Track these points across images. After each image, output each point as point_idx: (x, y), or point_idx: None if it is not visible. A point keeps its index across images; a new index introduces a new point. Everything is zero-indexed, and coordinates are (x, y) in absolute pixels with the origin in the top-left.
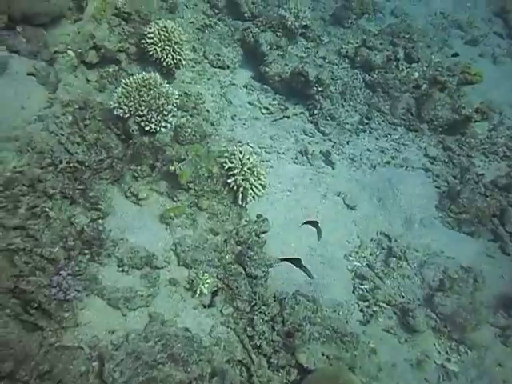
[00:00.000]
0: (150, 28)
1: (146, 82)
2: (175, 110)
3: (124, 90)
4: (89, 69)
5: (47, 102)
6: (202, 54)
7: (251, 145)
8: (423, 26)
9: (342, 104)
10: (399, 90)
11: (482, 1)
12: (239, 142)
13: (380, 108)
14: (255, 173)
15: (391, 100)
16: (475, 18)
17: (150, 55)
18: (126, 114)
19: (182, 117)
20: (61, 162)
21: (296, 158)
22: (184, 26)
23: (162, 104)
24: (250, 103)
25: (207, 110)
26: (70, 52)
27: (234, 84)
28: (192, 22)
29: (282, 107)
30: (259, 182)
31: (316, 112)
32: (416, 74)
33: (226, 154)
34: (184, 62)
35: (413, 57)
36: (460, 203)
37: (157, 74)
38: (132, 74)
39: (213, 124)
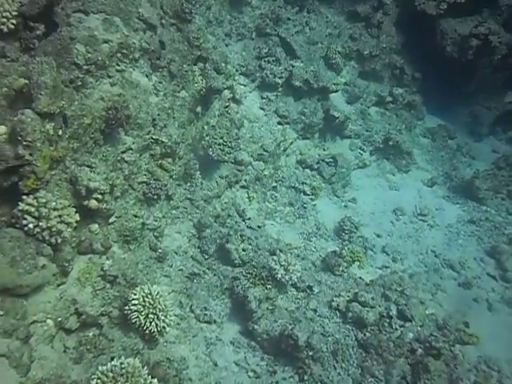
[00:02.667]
0: (135, 294)
1: (123, 370)
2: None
3: (99, 382)
4: (68, 334)
5: None
6: (188, 309)
7: None
8: (415, 264)
9: (333, 366)
10: (393, 353)
11: (473, 239)
12: None
13: (374, 373)
14: None
15: (385, 364)
16: (467, 256)
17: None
18: None
19: None
20: None
21: None
22: (172, 275)
23: None
24: (236, 363)
25: (190, 379)
26: (48, 321)
27: (220, 340)
28: (181, 270)
29: (271, 369)
30: None
31: (306, 378)
32: (410, 335)
33: None
34: (168, 329)
35: (406, 314)
36: None
37: (137, 360)
38: (113, 340)
39: None
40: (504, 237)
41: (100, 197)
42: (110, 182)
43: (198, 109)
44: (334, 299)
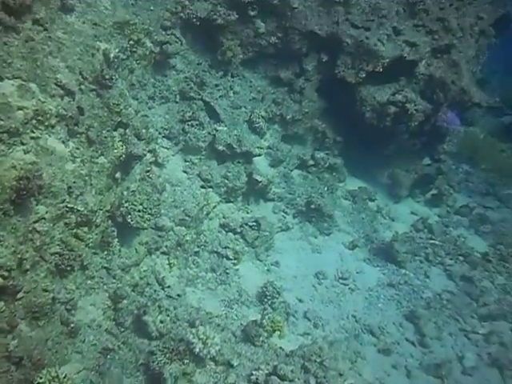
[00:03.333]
0: (41, 378)
1: None
2: None
3: None
4: None
5: None
6: None
7: None
8: (336, 330)
9: None
10: None
11: (392, 303)
12: None
13: None
14: None
15: None
16: (387, 321)
17: None
18: None
19: None
20: None
21: None
22: (85, 351)
23: None
24: None
25: None
26: None
27: None
28: (94, 345)
29: None
30: None
31: None
32: None
33: None
34: None
35: None
36: None
37: None
38: None
39: None
40: (422, 301)
41: (6, 274)
42: (19, 256)
43: (118, 175)
44: (254, 373)
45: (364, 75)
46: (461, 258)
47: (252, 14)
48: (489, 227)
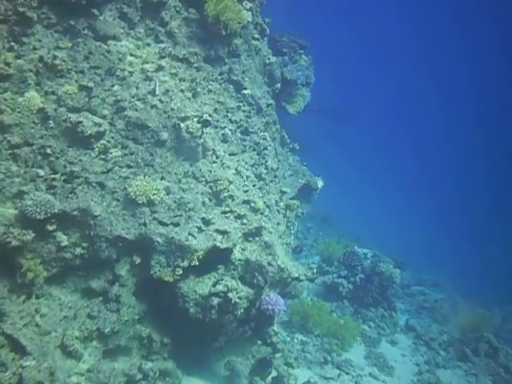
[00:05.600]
0: None
1: None
2: None
3: None
4: None
5: None
6: None
7: None
8: None
9: None
10: None
11: None
12: None
13: None
14: None
15: None
16: None
17: None
18: None
19: None
20: None
21: None
22: None
23: None
24: None
25: None
26: None
27: None
28: None
29: None
30: None
31: None
32: None
33: None
34: None
35: None
36: None
37: None
38: None
39: None
40: None
41: None
42: None
43: None
44: None
45: (181, 272)
46: None
47: (51, 228)
48: None
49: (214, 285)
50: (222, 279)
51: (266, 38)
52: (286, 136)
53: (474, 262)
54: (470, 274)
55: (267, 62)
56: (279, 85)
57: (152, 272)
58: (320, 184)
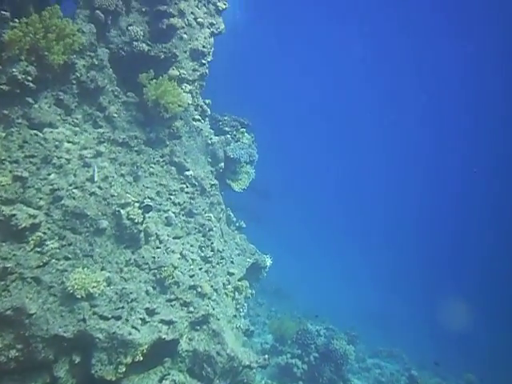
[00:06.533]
0: None
1: None
2: None
3: None
4: None
5: None
6: None
7: None
8: None
9: None
10: None
11: None
12: None
13: None
14: None
15: None
16: None
17: None
18: None
19: None
20: None
21: None
22: None
23: None
24: None
25: None
26: None
27: None
28: None
29: None
30: None
31: None
32: None
33: None
34: None
35: None
36: None
37: None
38: None
39: None
40: None
41: None
42: None
43: None
44: None
45: (124, 369)
46: None
47: None
48: None
49: (161, 380)
50: (169, 373)
51: (207, 119)
52: (232, 215)
53: (425, 329)
54: (423, 342)
55: (209, 142)
56: (222, 164)
57: (93, 371)
58: (268, 262)
